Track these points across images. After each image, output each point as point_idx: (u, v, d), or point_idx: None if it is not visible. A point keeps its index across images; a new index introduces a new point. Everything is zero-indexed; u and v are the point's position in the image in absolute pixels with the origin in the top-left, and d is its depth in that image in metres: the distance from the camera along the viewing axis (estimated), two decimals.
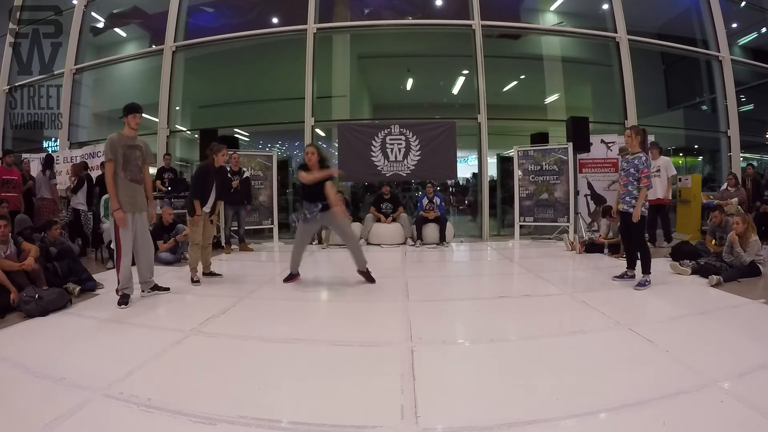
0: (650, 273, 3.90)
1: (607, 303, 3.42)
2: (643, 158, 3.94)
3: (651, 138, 5.87)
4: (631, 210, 3.95)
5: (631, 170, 3.98)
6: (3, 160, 6.13)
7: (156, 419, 1.76)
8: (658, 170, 6.29)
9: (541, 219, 7.52)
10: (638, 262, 4.03)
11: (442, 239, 7.06)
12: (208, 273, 4.55)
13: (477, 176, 8.77)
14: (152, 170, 7.91)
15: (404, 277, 4.67)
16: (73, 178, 6.58)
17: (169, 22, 8.80)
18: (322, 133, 9.26)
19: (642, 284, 3.85)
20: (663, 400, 1.84)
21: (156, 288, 3.84)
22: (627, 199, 4.03)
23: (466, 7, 8.40)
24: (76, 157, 8.15)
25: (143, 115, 3.70)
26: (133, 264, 3.68)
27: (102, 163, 7.25)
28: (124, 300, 3.47)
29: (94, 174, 7.03)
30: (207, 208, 4.40)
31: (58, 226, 4.57)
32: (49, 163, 6.60)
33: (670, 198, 6.83)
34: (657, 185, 6.18)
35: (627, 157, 4.13)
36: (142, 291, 3.80)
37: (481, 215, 8.16)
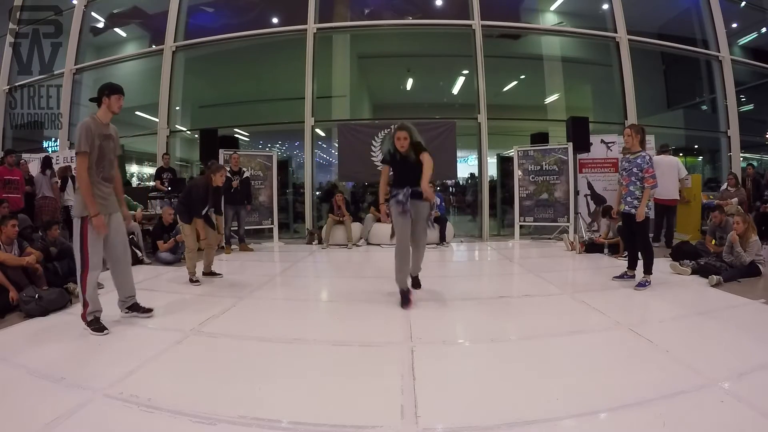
0: (651, 273, 3.90)
1: (607, 303, 3.42)
2: (647, 157, 3.88)
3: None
4: (633, 211, 3.91)
5: (634, 170, 3.91)
6: (5, 160, 6.12)
7: (156, 419, 1.76)
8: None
9: (541, 219, 7.52)
10: (640, 262, 4.02)
11: (442, 239, 7.05)
12: (209, 273, 4.57)
13: (476, 176, 8.76)
14: (150, 170, 7.91)
15: None
16: (59, 180, 6.63)
17: (169, 22, 8.80)
18: (322, 133, 9.27)
19: (642, 284, 3.85)
20: (663, 400, 1.84)
21: (136, 308, 3.16)
22: (629, 199, 3.97)
23: (466, 7, 8.40)
24: (75, 157, 8.14)
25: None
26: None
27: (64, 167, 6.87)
28: (96, 326, 2.82)
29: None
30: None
31: (58, 226, 4.57)
32: (48, 163, 6.62)
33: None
34: (669, 184, 6.10)
35: (628, 156, 4.04)
36: (121, 311, 3.19)
37: (481, 215, 8.16)
